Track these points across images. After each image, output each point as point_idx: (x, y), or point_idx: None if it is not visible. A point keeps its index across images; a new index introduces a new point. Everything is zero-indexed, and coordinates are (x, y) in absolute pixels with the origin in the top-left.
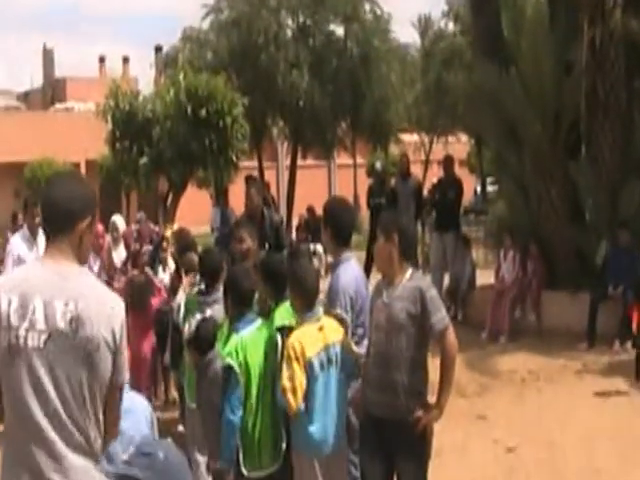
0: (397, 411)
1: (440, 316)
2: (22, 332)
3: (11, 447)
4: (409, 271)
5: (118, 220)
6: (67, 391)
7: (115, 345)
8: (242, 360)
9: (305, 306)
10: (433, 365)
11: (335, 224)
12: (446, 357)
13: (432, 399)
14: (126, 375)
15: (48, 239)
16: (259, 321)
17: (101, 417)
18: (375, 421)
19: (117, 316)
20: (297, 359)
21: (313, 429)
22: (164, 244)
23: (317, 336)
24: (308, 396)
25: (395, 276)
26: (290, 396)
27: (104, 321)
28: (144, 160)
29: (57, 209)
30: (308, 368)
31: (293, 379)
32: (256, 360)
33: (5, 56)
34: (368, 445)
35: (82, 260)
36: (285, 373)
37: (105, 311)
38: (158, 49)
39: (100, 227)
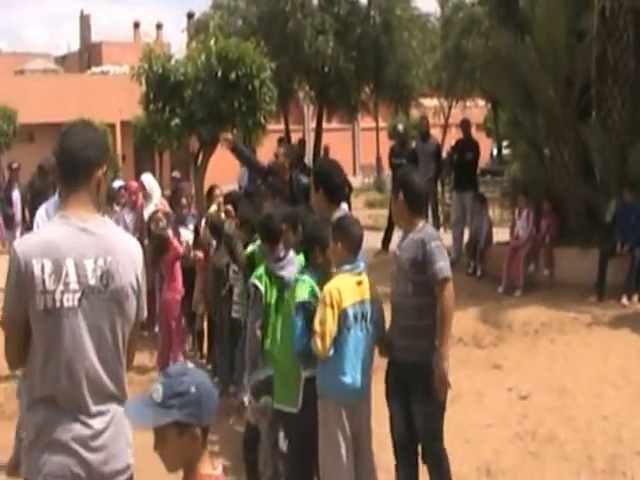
0: (410, 354)
1: (439, 266)
2: (58, 295)
3: (40, 393)
4: (420, 224)
5: (147, 178)
6: (103, 343)
7: (139, 288)
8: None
9: (348, 256)
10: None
11: (326, 184)
12: (442, 306)
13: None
14: (145, 312)
15: (66, 189)
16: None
17: (124, 355)
18: (394, 364)
19: (138, 260)
20: (332, 306)
21: (342, 376)
22: (183, 201)
23: (355, 289)
24: (339, 344)
25: (408, 229)
26: (318, 340)
27: (129, 269)
28: (176, 121)
29: (74, 158)
30: (342, 316)
31: (324, 324)
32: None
33: (44, 21)
34: (389, 387)
35: (99, 207)
36: (317, 317)
37: (129, 259)
38: (190, 16)
39: (134, 184)
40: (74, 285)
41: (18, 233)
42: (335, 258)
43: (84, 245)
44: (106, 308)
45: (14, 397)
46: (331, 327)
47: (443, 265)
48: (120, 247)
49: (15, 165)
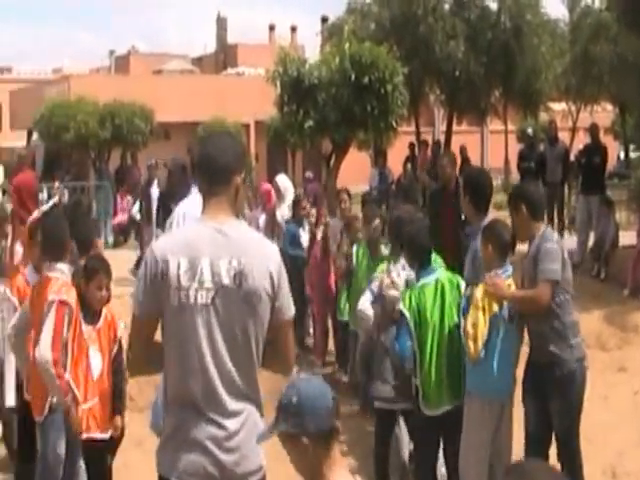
0: (543, 356)
1: (542, 267)
2: (192, 292)
3: (176, 392)
4: (541, 229)
5: (281, 179)
6: (235, 343)
7: (274, 292)
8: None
9: (497, 260)
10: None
11: (473, 191)
12: (535, 296)
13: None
14: (291, 311)
15: (206, 196)
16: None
17: (259, 356)
18: (531, 365)
19: (274, 263)
20: (483, 309)
21: (490, 376)
22: (303, 203)
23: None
24: (489, 345)
25: (532, 238)
26: (470, 342)
27: (263, 271)
28: (309, 123)
29: (214, 165)
30: (493, 319)
31: (476, 326)
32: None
33: (182, 22)
34: (526, 388)
35: (237, 212)
36: (469, 320)
37: (264, 262)
38: (324, 19)
39: (267, 185)
40: (208, 284)
41: (154, 229)
42: (485, 262)
43: (219, 246)
44: (238, 308)
45: (146, 390)
46: (483, 330)
47: (550, 267)
48: (255, 249)
49: (153, 162)
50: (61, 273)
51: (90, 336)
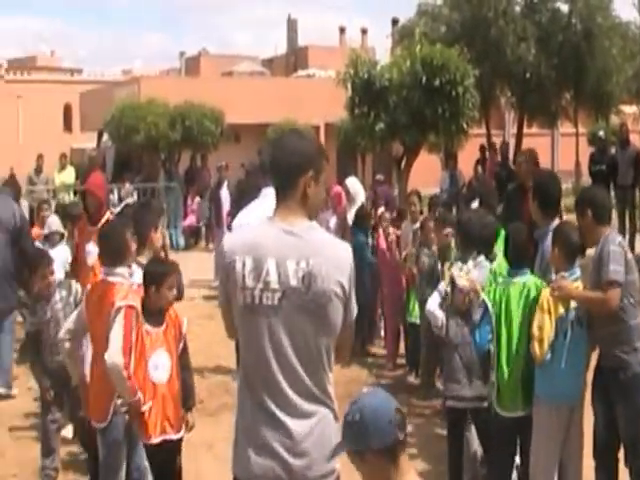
0: (609, 360)
1: (607, 269)
2: (257, 292)
3: (247, 394)
4: (606, 232)
5: (352, 182)
6: (303, 345)
7: (345, 295)
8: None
9: (565, 262)
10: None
11: (542, 195)
12: (605, 299)
13: None
14: (355, 312)
15: (277, 196)
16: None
17: (332, 360)
18: (599, 369)
19: (347, 265)
20: (549, 311)
21: (557, 380)
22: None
23: None
24: (556, 348)
25: (596, 242)
26: (536, 345)
27: (334, 274)
28: (380, 125)
29: (279, 168)
30: (559, 322)
31: (542, 329)
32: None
33: (253, 24)
34: (594, 392)
35: (311, 214)
36: (535, 322)
37: (334, 264)
38: (395, 22)
39: (338, 187)
40: (274, 285)
41: (226, 230)
42: (553, 264)
43: (287, 247)
44: (307, 310)
45: (217, 394)
46: (549, 332)
47: (613, 269)
48: (326, 251)
49: (223, 164)
50: (122, 277)
51: (158, 338)
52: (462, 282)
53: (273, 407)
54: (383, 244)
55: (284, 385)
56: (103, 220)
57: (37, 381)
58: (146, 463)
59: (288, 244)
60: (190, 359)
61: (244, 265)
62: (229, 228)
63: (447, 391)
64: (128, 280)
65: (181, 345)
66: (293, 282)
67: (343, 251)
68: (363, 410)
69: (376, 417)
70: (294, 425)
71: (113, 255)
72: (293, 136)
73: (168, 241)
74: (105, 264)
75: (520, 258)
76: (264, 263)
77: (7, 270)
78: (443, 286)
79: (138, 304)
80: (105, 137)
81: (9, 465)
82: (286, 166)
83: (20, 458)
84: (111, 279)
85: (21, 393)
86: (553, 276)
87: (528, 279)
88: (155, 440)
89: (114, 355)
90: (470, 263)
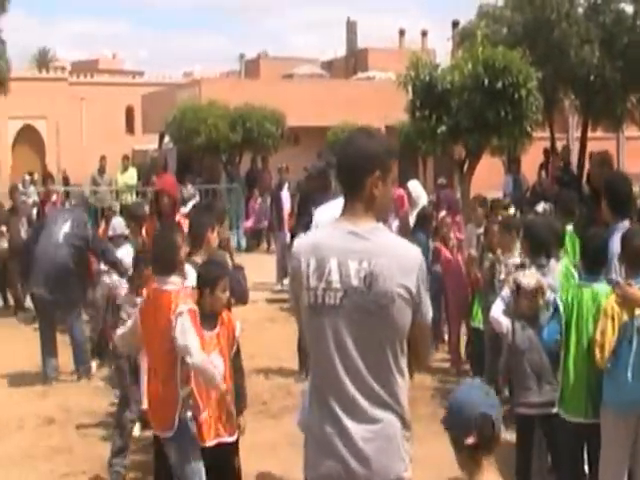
0: None
1: None
2: (320, 292)
3: (315, 394)
4: (619, 224)
5: (413, 185)
6: (365, 344)
7: (412, 296)
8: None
9: (632, 269)
10: None
11: (612, 195)
12: None
13: None
14: (430, 314)
15: (344, 197)
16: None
17: (402, 364)
18: None
19: (412, 268)
20: (612, 318)
21: (624, 388)
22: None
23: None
24: (621, 355)
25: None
26: (597, 350)
27: (397, 275)
28: (442, 128)
29: (344, 169)
30: (623, 328)
31: (604, 334)
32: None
33: (312, 27)
34: None
35: (379, 215)
36: (598, 328)
37: (398, 265)
38: (455, 24)
39: (400, 190)
40: (336, 284)
41: (287, 232)
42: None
43: (350, 247)
44: (368, 310)
45: (279, 395)
46: (610, 338)
47: None
48: (390, 251)
49: (283, 166)
50: (174, 285)
51: (212, 341)
52: (527, 280)
53: (337, 409)
54: (446, 252)
55: (349, 387)
56: (176, 220)
57: (119, 378)
58: (201, 465)
59: (351, 244)
60: (242, 362)
61: (308, 265)
62: (293, 229)
63: (516, 398)
64: (181, 285)
65: (234, 349)
66: (354, 282)
67: (410, 252)
68: (453, 401)
69: (460, 411)
70: (357, 429)
71: (165, 265)
72: (361, 135)
73: (233, 244)
74: (158, 273)
75: (594, 265)
76: (326, 263)
77: (68, 269)
78: (506, 292)
79: (195, 308)
80: (166, 139)
81: (78, 462)
82: (352, 166)
83: (88, 455)
84: (166, 287)
85: (87, 392)
86: (613, 275)
87: (601, 287)
88: (210, 443)
89: (197, 355)
90: (533, 268)
